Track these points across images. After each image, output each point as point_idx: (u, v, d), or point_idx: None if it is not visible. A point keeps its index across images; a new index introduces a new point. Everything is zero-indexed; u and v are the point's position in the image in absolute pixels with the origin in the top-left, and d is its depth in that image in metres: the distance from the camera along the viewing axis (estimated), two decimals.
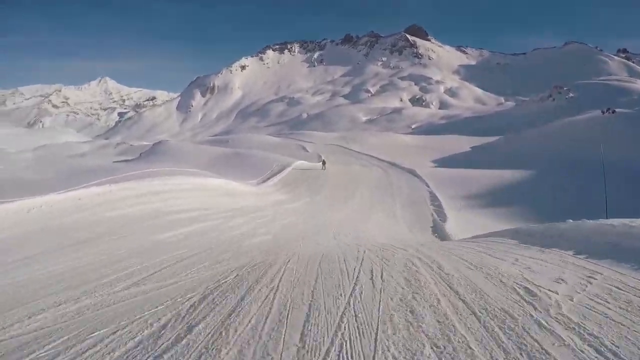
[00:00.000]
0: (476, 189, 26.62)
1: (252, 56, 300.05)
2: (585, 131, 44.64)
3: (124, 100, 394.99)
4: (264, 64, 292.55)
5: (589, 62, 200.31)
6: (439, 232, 16.00)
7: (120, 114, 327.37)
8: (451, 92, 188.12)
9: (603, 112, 52.12)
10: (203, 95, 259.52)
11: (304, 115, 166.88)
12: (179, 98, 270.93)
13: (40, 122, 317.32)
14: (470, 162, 43.82)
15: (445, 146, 60.02)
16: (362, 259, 6.43)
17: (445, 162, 46.48)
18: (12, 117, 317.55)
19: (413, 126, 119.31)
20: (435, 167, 41.84)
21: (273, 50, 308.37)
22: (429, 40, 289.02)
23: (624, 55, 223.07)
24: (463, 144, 61.24)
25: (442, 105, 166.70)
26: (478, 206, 23.22)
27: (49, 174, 22.55)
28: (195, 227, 10.54)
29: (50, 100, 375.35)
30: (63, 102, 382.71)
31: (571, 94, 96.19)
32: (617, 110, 52.36)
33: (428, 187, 26.39)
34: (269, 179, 28.47)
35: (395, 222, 17.78)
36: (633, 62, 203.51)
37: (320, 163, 35.58)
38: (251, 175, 29.46)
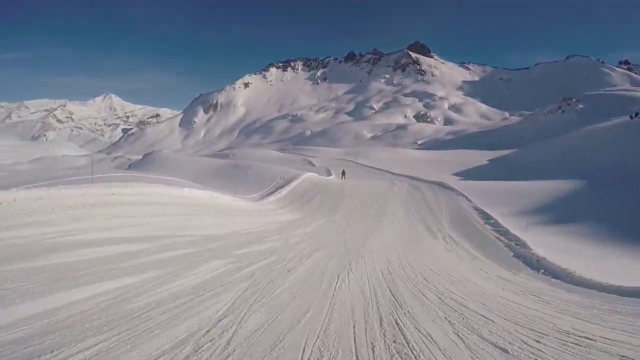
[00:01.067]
0: (529, 203, 21.18)
1: (255, 74, 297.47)
2: (616, 138, 40.67)
3: (127, 117, 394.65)
4: (267, 81, 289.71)
5: (592, 74, 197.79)
6: (529, 263, 10.72)
7: (124, 130, 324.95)
8: (455, 108, 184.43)
9: (632, 117, 48.34)
10: (206, 112, 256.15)
11: (308, 132, 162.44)
12: (182, 115, 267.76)
13: (44, 136, 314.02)
14: (493, 174, 39.84)
15: (460, 160, 56.07)
16: None
17: (468, 175, 41.61)
18: (16, 130, 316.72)
19: (419, 142, 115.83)
20: (461, 179, 36.38)
21: (276, 68, 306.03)
22: (431, 57, 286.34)
23: (625, 67, 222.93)
24: (478, 157, 57.32)
25: (447, 121, 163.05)
26: (542, 223, 17.71)
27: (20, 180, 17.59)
28: (109, 287, 5.05)
29: (55, 115, 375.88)
30: (68, 117, 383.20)
31: (580, 106, 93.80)
32: None
33: (470, 201, 20.96)
34: (272, 193, 23.02)
35: (460, 252, 12.21)
36: (635, 73, 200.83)
37: (332, 176, 32.58)
38: (251, 189, 24.09)
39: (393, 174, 40.99)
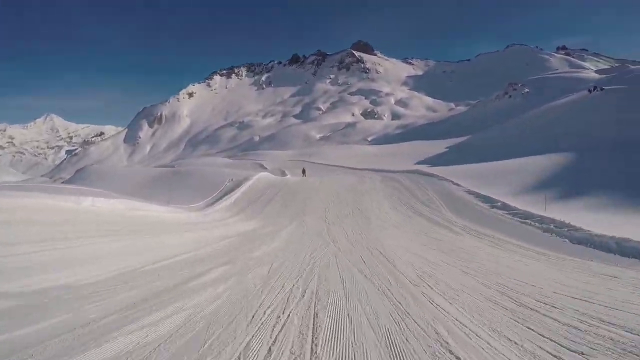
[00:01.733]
0: (523, 181, 18.27)
1: (199, 83, 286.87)
2: (578, 111, 40.15)
3: (71, 138, 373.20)
4: (212, 89, 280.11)
5: (532, 61, 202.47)
6: (609, 249, 7.76)
7: (68, 152, 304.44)
8: (402, 103, 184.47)
9: (590, 91, 47.88)
10: (151, 125, 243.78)
11: (256, 138, 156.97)
12: (126, 130, 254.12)
13: None
14: (457, 160, 37.09)
15: (416, 151, 53.84)
16: None
17: (433, 162, 38.82)
18: None
19: (369, 138, 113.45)
20: (430, 167, 33.17)
21: (220, 75, 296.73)
22: (375, 54, 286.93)
23: (563, 52, 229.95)
24: (434, 147, 55.19)
25: (395, 116, 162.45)
26: (555, 199, 14.66)
27: None
28: None
29: None
30: (9, 142, 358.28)
31: (527, 89, 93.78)
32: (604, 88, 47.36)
33: (458, 185, 17.48)
34: (220, 199, 18.52)
35: (512, 248, 8.39)
36: (573, 57, 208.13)
37: (288, 176, 30.14)
38: (196, 197, 19.49)
39: (354, 169, 37.29)
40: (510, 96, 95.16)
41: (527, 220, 10.91)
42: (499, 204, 13.30)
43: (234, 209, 16.72)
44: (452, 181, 18.28)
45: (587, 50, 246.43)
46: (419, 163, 41.01)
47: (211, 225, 12.48)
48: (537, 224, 10.42)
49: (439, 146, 54.54)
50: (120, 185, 24.65)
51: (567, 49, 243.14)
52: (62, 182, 42.59)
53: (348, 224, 12.22)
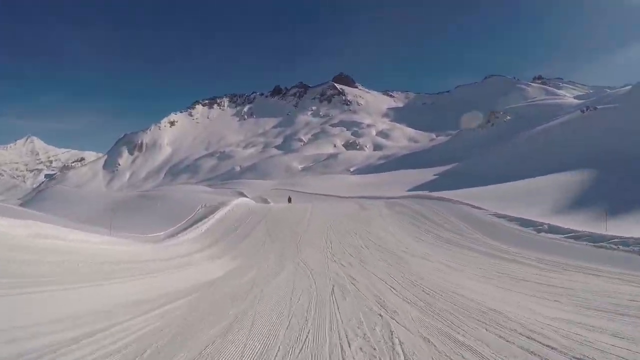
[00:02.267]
0: (554, 199, 15.40)
1: (181, 111, 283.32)
2: (574, 131, 41.18)
3: (51, 162, 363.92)
4: (194, 119, 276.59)
5: (510, 91, 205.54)
6: None
7: (48, 176, 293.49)
8: (383, 134, 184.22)
9: (583, 112, 50.91)
10: (131, 153, 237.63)
11: (237, 169, 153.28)
12: (106, 157, 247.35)
13: None
14: (451, 186, 34.55)
15: (404, 179, 52.16)
16: None
17: (430, 189, 36.24)
18: None
19: (352, 169, 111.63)
20: (429, 192, 30.11)
21: (202, 105, 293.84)
22: (356, 87, 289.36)
23: (540, 81, 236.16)
24: (421, 175, 53.86)
25: (376, 147, 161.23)
26: (611, 216, 11.92)
27: None
28: None
29: None
30: None
31: (508, 117, 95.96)
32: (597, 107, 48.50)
33: (480, 209, 14.25)
34: (189, 227, 14.81)
35: None
36: (550, 86, 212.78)
37: (271, 203, 27.75)
38: (162, 224, 15.78)
39: (345, 197, 33.93)
40: (492, 124, 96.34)
41: (601, 244, 8.30)
42: (544, 226, 10.41)
43: (205, 240, 13.06)
44: (470, 204, 15.08)
45: (562, 79, 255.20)
46: (411, 190, 38.31)
47: (166, 265, 8.74)
48: (622, 247, 7.54)
49: (426, 174, 53.14)
50: (84, 208, 21.28)
51: (543, 78, 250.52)
52: (20, 204, 38.25)
53: (373, 263, 8.60)
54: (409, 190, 37.91)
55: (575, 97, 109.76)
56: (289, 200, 30.79)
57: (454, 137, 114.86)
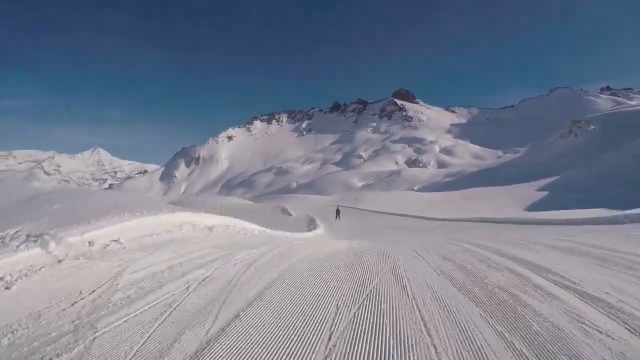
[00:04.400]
0: None
1: (239, 127, 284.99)
2: None
3: (115, 172, 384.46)
4: (252, 134, 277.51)
5: (578, 103, 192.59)
6: None
7: (112, 185, 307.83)
8: (447, 151, 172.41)
9: None
10: (187, 165, 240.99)
11: (294, 185, 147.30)
12: (163, 168, 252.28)
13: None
14: (582, 203, 25.35)
15: (490, 196, 41.04)
16: None
17: (543, 208, 24.84)
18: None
19: (415, 187, 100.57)
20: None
21: (261, 120, 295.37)
22: (417, 102, 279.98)
23: (608, 93, 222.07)
24: (515, 191, 44.14)
25: (440, 164, 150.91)
26: None
27: None
28: None
29: (42, 167, 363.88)
30: (55, 169, 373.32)
31: (592, 127, 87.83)
32: None
33: None
34: None
35: None
36: (619, 97, 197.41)
37: (319, 229, 19.14)
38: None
39: (427, 219, 22.77)
40: (575, 135, 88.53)
41: None
42: None
43: None
44: None
45: (632, 89, 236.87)
46: (528, 208, 27.67)
47: None
48: None
49: (519, 190, 44.23)
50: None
51: (611, 89, 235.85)
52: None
53: None
54: (526, 209, 26.75)
55: None
56: (337, 213, 26.45)
57: (529, 149, 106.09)
